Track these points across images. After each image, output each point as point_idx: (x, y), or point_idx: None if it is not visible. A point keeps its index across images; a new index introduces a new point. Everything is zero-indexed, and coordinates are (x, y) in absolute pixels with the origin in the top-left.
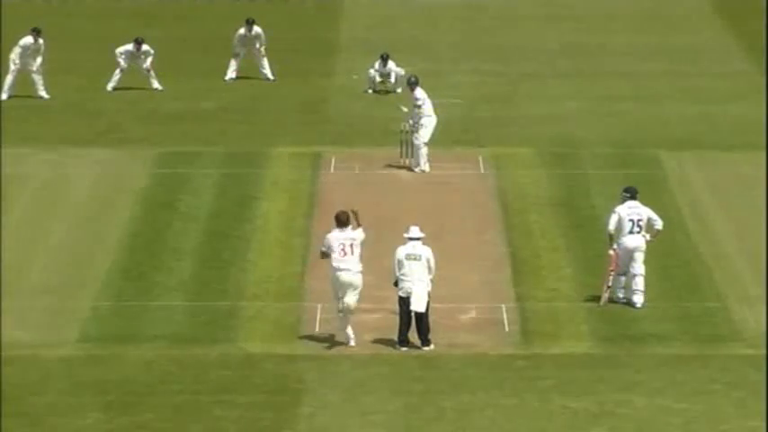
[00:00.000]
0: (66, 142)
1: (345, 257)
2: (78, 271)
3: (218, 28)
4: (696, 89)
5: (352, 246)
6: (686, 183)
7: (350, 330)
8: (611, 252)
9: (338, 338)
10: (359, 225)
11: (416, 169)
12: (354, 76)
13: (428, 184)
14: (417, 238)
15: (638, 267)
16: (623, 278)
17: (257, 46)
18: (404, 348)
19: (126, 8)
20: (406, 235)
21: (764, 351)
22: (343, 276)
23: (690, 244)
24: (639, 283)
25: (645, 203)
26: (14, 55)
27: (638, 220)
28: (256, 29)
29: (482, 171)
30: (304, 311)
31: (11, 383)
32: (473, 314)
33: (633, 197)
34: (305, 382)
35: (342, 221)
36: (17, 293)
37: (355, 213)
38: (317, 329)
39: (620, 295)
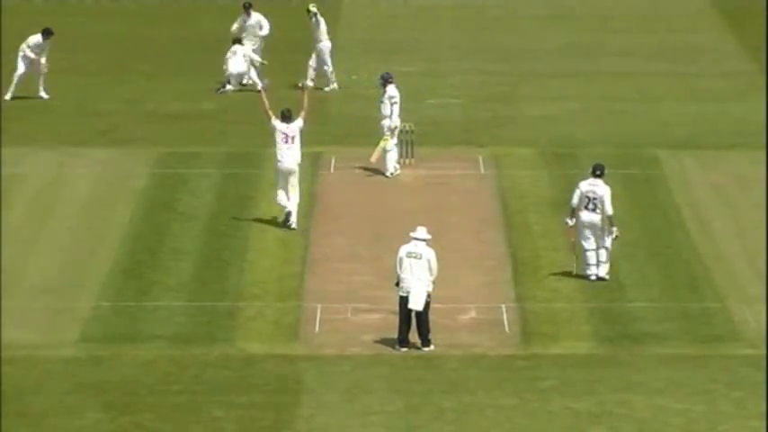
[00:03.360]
0: (67, 142)
1: (287, 144)
2: (78, 271)
3: (218, 28)
4: (696, 89)
5: (294, 138)
6: (686, 183)
7: (293, 216)
8: (569, 221)
9: (337, 339)
10: (308, 105)
11: (387, 174)
12: (354, 77)
13: (428, 184)
14: (422, 239)
15: (600, 241)
16: (590, 254)
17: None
18: (404, 349)
19: (126, 8)
20: (412, 234)
21: (764, 351)
22: (285, 164)
23: (690, 244)
24: (603, 255)
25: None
26: (27, 52)
27: (594, 198)
28: (255, 15)
29: (482, 171)
30: (304, 311)
31: (11, 383)
32: (473, 314)
33: (595, 175)
34: (304, 383)
35: (285, 116)
36: (17, 293)
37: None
38: (316, 329)
39: (590, 271)
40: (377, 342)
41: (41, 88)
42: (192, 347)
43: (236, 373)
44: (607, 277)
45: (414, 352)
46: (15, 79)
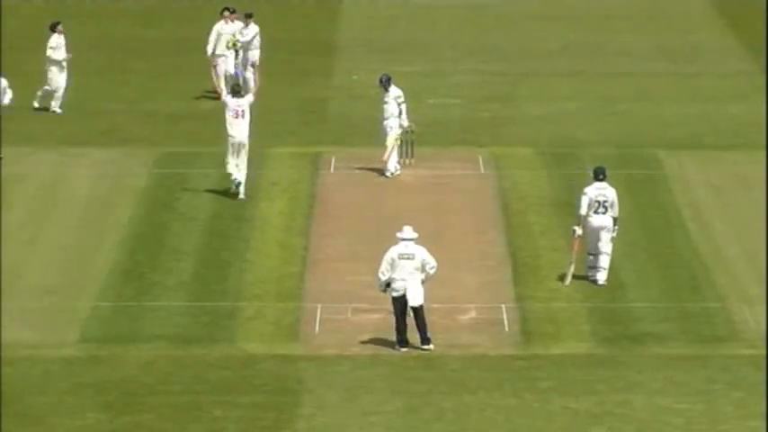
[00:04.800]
0: (66, 142)
1: (237, 119)
2: (78, 271)
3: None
4: (696, 89)
5: (243, 111)
6: (686, 183)
7: (242, 187)
8: (577, 229)
9: (337, 339)
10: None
11: (387, 174)
12: (354, 77)
13: (428, 184)
14: (410, 239)
15: (604, 246)
16: (592, 257)
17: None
18: (404, 349)
19: (126, 8)
20: (398, 235)
21: (764, 351)
22: (237, 138)
23: (690, 244)
24: (603, 261)
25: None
26: (50, 55)
27: (604, 201)
28: (254, 26)
29: (482, 171)
30: (304, 311)
31: (11, 383)
32: (473, 314)
33: (600, 178)
34: (305, 383)
35: (236, 91)
36: (17, 293)
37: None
38: (316, 329)
39: (590, 274)
40: (377, 342)
41: (58, 102)
42: (192, 347)
43: (236, 373)
44: (605, 284)
45: (414, 352)
46: (56, 90)
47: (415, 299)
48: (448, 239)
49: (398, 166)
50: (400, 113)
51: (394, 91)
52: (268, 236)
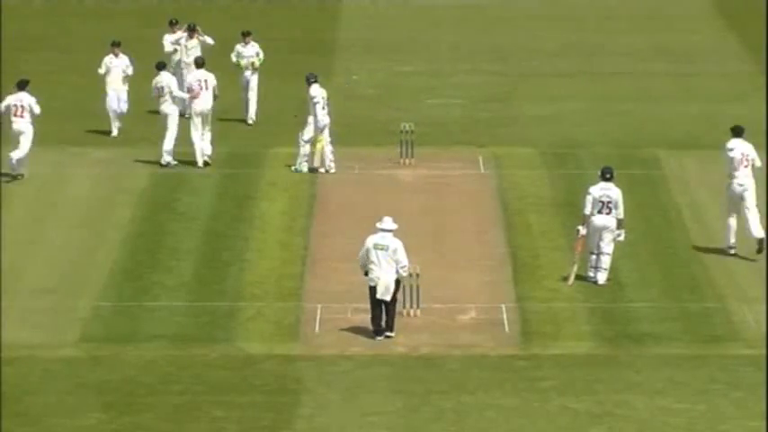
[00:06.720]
0: (66, 142)
1: (202, 92)
2: (78, 271)
3: (218, 28)
4: (696, 89)
5: (206, 81)
6: (686, 183)
7: (200, 153)
8: (581, 229)
9: (337, 339)
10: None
11: (293, 168)
12: (354, 77)
13: (428, 184)
14: (388, 230)
15: (606, 246)
16: (594, 257)
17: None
18: (379, 338)
19: (126, 8)
20: (378, 225)
21: (764, 351)
22: (200, 106)
23: (690, 244)
24: (604, 262)
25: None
26: (107, 77)
27: (608, 202)
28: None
29: (482, 171)
30: (304, 311)
31: (11, 383)
32: (473, 314)
33: (605, 178)
34: (304, 383)
35: (198, 64)
36: (17, 293)
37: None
38: (316, 329)
39: (591, 274)
40: (377, 342)
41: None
42: (192, 347)
43: (236, 374)
44: (606, 284)
45: (413, 352)
46: (111, 113)
47: (385, 294)
48: (448, 239)
49: (333, 165)
50: (315, 114)
51: (311, 91)
52: (268, 236)
